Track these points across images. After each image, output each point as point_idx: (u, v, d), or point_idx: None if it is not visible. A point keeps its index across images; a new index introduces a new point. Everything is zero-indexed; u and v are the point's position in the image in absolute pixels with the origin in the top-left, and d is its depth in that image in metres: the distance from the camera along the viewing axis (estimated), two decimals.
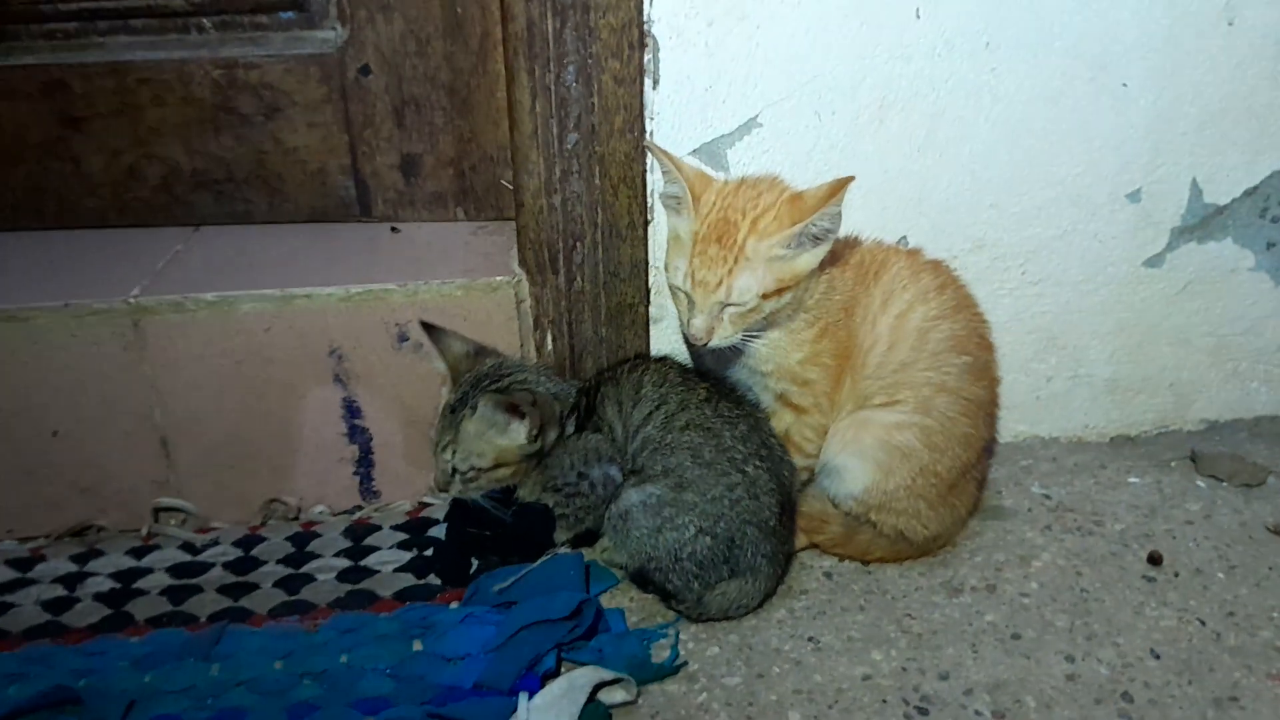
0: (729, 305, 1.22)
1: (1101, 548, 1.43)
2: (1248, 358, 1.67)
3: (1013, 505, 1.53)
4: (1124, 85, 1.45)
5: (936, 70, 1.41)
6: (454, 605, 1.31)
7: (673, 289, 1.28)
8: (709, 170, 1.42)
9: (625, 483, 1.29)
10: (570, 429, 1.34)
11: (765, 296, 1.22)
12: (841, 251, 1.32)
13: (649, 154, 1.38)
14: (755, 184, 1.26)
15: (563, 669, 1.20)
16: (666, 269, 1.29)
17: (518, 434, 1.32)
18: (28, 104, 1.54)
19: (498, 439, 1.32)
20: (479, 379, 1.35)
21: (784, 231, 1.19)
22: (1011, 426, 1.67)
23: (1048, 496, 1.55)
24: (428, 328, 1.38)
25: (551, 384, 1.38)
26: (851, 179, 1.17)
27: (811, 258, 1.23)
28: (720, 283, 1.20)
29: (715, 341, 1.24)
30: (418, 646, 1.23)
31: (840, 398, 1.34)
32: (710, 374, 1.37)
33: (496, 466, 1.34)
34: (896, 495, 1.33)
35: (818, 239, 1.22)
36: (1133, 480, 1.59)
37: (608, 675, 1.16)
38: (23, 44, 1.53)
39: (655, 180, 1.42)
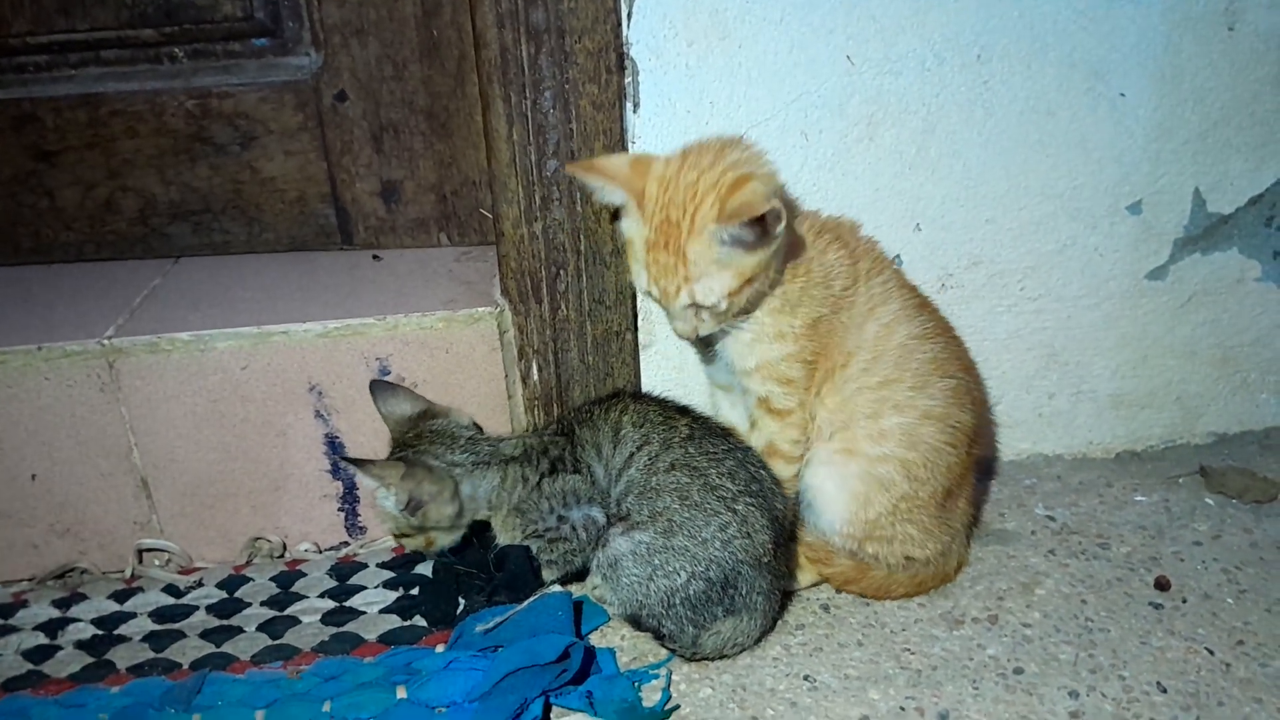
0: (700, 307, 1.18)
1: (1107, 573, 1.39)
2: (1256, 369, 1.62)
3: (1015, 528, 1.49)
4: (1122, 95, 1.40)
5: (927, 85, 1.37)
6: (439, 648, 1.28)
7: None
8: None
9: (613, 529, 1.25)
10: (534, 477, 1.28)
11: (732, 295, 1.16)
12: (835, 231, 1.28)
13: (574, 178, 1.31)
14: (698, 158, 1.15)
15: (551, 715, 1.17)
16: (631, 274, 1.25)
17: (388, 504, 1.29)
18: None
19: (386, 506, 1.30)
20: (402, 445, 1.32)
21: (709, 231, 1.12)
22: (1014, 445, 1.63)
23: (1051, 518, 1.50)
24: (374, 388, 1.35)
25: (459, 453, 1.30)
26: (771, 209, 1.09)
27: (764, 254, 1.15)
28: (679, 289, 1.16)
29: (702, 332, 1.21)
30: (402, 694, 1.20)
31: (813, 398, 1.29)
32: (690, 410, 1.32)
33: (413, 532, 1.31)
34: (879, 524, 1.29)
35: (755, 244, 1.13)
36: (1139, 499, 1.54)
37: None
38: None
39: None
